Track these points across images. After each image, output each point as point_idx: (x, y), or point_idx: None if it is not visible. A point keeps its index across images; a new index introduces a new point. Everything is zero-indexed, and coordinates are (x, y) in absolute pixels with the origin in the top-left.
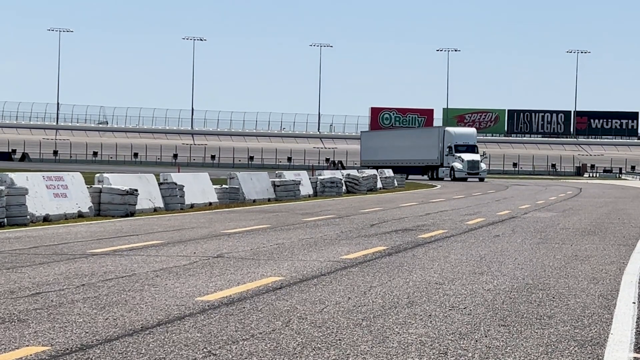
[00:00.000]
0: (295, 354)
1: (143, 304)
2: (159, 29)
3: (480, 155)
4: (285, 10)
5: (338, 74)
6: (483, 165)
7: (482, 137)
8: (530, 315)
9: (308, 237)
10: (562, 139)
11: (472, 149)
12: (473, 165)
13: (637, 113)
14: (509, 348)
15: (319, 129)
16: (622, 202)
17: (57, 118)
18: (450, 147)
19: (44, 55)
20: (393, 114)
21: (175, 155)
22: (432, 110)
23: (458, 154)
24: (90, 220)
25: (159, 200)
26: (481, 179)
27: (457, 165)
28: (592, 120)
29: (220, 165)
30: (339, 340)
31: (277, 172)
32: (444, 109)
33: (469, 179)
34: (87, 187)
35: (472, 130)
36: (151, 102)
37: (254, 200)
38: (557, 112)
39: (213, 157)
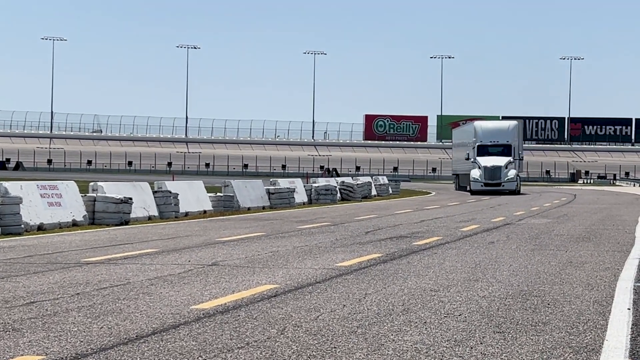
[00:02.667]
0: None
1: (138, 312)
2: (152, 37)
3: (513, 160)
4: (279, 18)
5: (332, 81)
6: (511, 173)
7: None
8: (526, 321)
9: (303, 245)
10: (556, 146)
11: (503, 150)
12: (493, 174)
13: (631, 119)
14: (504, 355)
15: (313, 137)
16: (617, 208)
17: (51, 127)
18: (474, 149)
19: (37, 64)
20: (387, 121)
21: (169, 164)
22: (426, 117)
23: (479, 158)
24: (85, 229)
25: (154, 209)
26: (511, 192)
27: (474, 173)
28: (586, 127)
29: (214, 173)
30: (334, 348)
31: (271, 179)
32: (438, 116)
33: (488, 191)
34: (82, 196)
35: (507, 124)
36: (145, 111)
37: (249, 208)
38: (551, 119)
39: (207, 165)
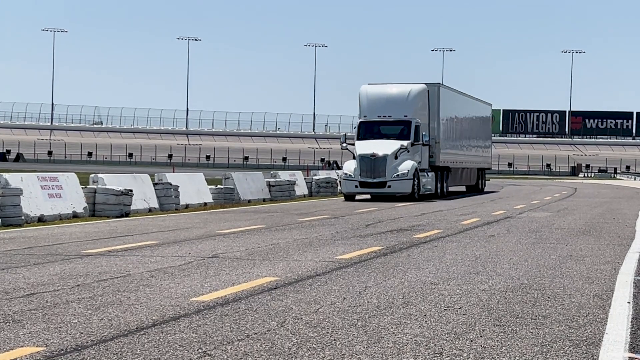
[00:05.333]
0: (291, 354)
1: (138, 304)
2: (153, 29)
3: (413, 144)
4: (280, 11)
5: (333, 74)
6: (405, 166)
7: None
8: (526, 315)
9: (303, 238)
10: (557, 139)
11: (402, 130)
12: (372, 167)
13: (632, 113)
14: (504, 348)
15: (314, 129)
16: (617, 202)
17: (52, 118)
18: (356, 128)
19: (38, 55)
20: None
21: (170, 156)
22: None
23: (360, 143)
24: (85, 220)
25: (154, 201)
26: (406, 196)
27: (348, 167)
28: (587, 120)
29: (215, 165)
30: (334, 340)
31: (272, 172)
32: None
33: (368, 193)
34: (82, 188)
35: (406, 89)
36: (146, 103)
37: (249, 201)
38: (552, 112)
39: (208, 157)
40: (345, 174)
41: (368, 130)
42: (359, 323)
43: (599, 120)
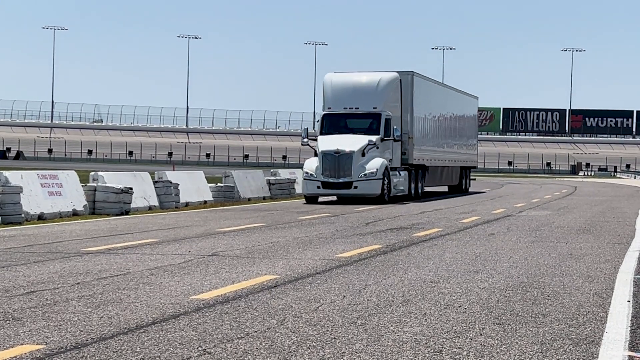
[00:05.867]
0: (290, 352)
1: (138, 302)
2: (153, 27)
3: (383, 140)
4: (280, 9)
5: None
6: (374, 164)
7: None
8: (525, 313)
9: (303, 236)
10: (557, 138)
11: (370, 123)
12: (335, 165)
13: (632, 112)
14: (503, 346)
15: (314, 127)
16: (617, 200)
17: (52, 116)
18: (319, 122)
19: (38, 53)
20: None
21: (170, 154)
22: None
23: (323, 138)
24: (85, 218)
25: (154, 199)
26: (375, 198)
27: (309, 165)
28: (587, 119)
29: (215, 163)
30: (334, 338)
31: (272, 170)
32: None
33: (333, 195)
34: (82, 186)
35: (375, 77)
36: (146, 101)
37: (249, 199)
38: (552, 111)
39: (208, 155)
40: (306, 173)
41: (332, 123)
42: (358, 321)
43: (599, 118)
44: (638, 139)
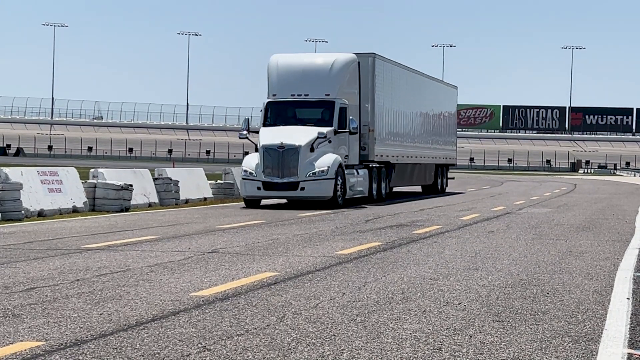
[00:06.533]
0: (290, 349)
1: (137, 299)
2: (154, 24)
3: (336, 133)
4: (280, 6)
5: None
6: (325, 161)
7: (477, 133)
8: (525, 311)
9: (303, 233)
10: (557, 135)
11: (321, 113)
12: (278, 162)
13: (632, 109)
14: (503, 344)
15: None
16: (617, 198)
17: (52, 113)
18: (262, 111)
19: (38, 50)
20: None
21: (170, 151)
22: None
23: (265, 130)
24: (85, 215)
25: (154, 196)
26: (327, 201)
27: (248, 162)
28: (587, 116)
29: (215, 160)
30: (334, 335)
31: None
32: None
33: (276, 197)
34: (82, 182)
35: (328, 59)
36: (146, 97)
37: None
38: (552, 108)
39: (208, 152)
40: (245, 171)
41: (278, 113)
42: (358, 318)
43: (599, 116)
44: (638, 137)
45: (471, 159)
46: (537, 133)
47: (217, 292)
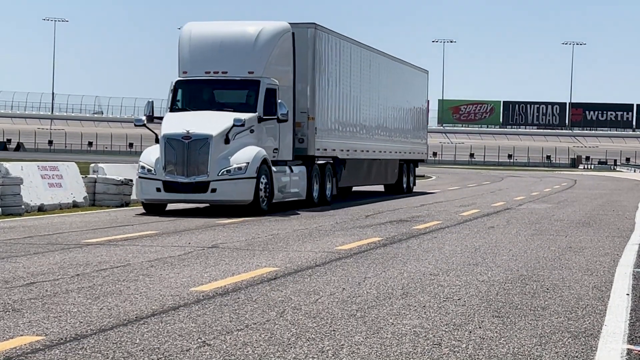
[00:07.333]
0: (290, 344)
1: (137, 294)
2: (154, 19)
3: (261, 120)
4: (279, 2)
5: None
6: (243, 156)
7: (477, 129)
8: (524, 306)
9: (303, 228)
10: (557, 131)
11: (246, 95)
12: (188, 157)
13: (633, 105)
14: (502, 339)
15: None
16: (617, 194)
17: (52, 108)
18: (172, 91)
19: (39, 44)
20: None
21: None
22: (427, 101)
23: (171, 116)
24: (85, 210)
25: None
26: (246, 206)
27: (146, 156)
28: (587, 112)
29: None
30: (333, 330)
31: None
32: (439, 100)
33: (181, 201)
34: (82, 177)
35: (254, 28)
36: (147, 92)
37: None
38: (553, 104)
39: None
40: (142, 168)
41: (190, 96)
42: (358, 314)
43: (599, 112)
44: (638, 133)
45: (471, 155)
46: (538, 129)
47: (217, 287)
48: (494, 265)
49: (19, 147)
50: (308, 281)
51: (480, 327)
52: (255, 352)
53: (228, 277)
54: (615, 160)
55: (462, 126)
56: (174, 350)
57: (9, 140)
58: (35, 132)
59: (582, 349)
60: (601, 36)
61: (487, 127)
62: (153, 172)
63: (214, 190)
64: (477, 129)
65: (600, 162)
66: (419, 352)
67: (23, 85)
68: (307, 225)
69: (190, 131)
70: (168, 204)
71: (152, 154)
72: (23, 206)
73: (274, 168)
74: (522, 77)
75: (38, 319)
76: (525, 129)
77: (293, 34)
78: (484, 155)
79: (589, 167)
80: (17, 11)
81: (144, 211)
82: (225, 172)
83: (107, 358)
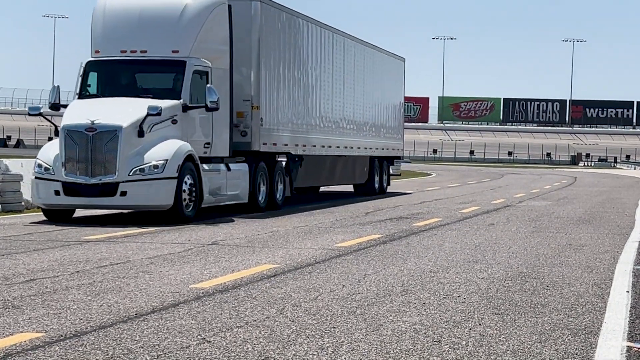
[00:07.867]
0: (289, 341)
1: (137, 290)
2: None
3: (186, 109)
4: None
5: None
6: (163, 152)
7: (477, 126)
8: (524, 303)
9: (303, 225)
10: (557, 128)
11: (173, 80)
12: (92, 153)
13: (633, 102)
14: (502, 336)
15: None
16: (617, 191)
17: None
18: (80, 76)
19: (39, 41)
20: None
21: None
22: (427, 98)
23: (78, 103)
24: None
25: None
26: (180, 211)
27: (44, 154)
28: (587, 109)
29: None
30: (333, 328)
31: None
32: (439, 97)
33: (83, 206)
34: None
35: (172, 2)
36: None
37: None
38: (553, 101)
39: None
40: (39, 166)
41: (104, 79)
42: (357, 311)
43: (600, 109)
44: (638, 130)
45: (471, 152)
46: (538, 126)
47: (217, 284)
48: (493, 263)
49: (19, 143)
50: (308, 278)
51: (480, 324)
52: (255, 349)
53: (228, 274)
54: (615, 158)
55: (462, 123)
56: (173, 347)
57: (9, 137)
58: (36, 128)
59: (582, 346)
60: (601, 33)
61: (487, 124)
62: (51, 171)
63: (123, 194)
64: (477, 126)
65: (600, 160)
66: (418, 349)
67: (23, 81)
68: (307, 222)
69: (95, 122)
70: (76, 210)
71: (51, 150)
72: (23, 203)
73: (204, 166)
74: (522, 74)
75: (38, 315)
76: (526, 126)
77: (230, 6)
78: (484, 153)
79: (589, 165)
80: (17, 8)
81: (44, 218)
82: (137, 172)
83: (107, 355)
